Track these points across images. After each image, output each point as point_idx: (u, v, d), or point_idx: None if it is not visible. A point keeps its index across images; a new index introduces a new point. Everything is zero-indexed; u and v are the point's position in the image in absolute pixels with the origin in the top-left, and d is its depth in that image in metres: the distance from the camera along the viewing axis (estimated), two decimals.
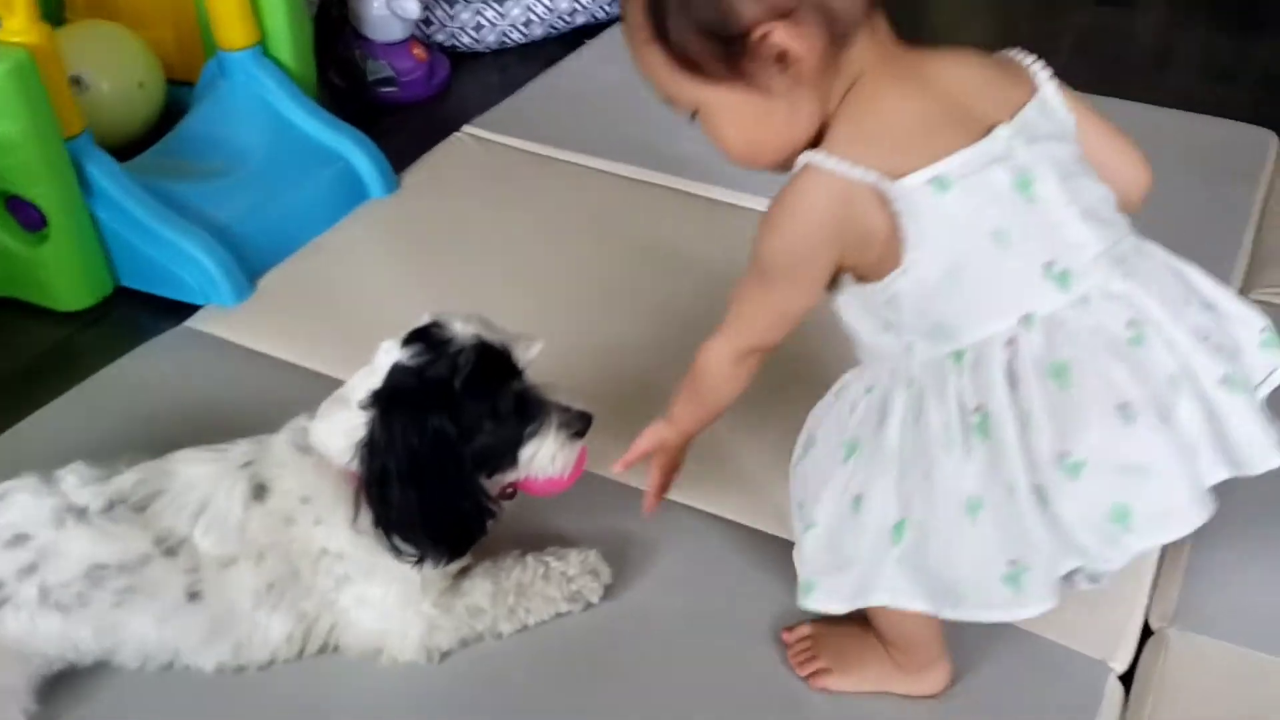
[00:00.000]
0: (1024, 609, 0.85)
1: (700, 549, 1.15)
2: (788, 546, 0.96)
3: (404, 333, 1.00)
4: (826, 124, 0.83)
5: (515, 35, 2.14)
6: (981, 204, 0.79)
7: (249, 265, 1.50)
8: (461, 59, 2.13)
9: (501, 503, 1.04)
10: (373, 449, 0.96)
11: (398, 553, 0.98)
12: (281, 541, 1.00)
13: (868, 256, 0.82)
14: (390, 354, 0.99)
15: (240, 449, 1.04)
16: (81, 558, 0.97)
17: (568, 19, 2.16)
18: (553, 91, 1.97)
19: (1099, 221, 0.82)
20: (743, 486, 1.18)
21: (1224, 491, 0.85)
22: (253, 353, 1.41)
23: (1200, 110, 1.91)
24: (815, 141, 0.82)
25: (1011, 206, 0.80)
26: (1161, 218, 1.72)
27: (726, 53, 0.80)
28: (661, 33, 0.81)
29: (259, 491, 1.01)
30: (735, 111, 0.83)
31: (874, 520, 0.87)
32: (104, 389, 1.37)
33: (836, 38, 0.79)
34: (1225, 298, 0.87)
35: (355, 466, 0.99)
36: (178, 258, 1.46)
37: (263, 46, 1.66)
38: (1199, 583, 1.11)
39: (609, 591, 1.09)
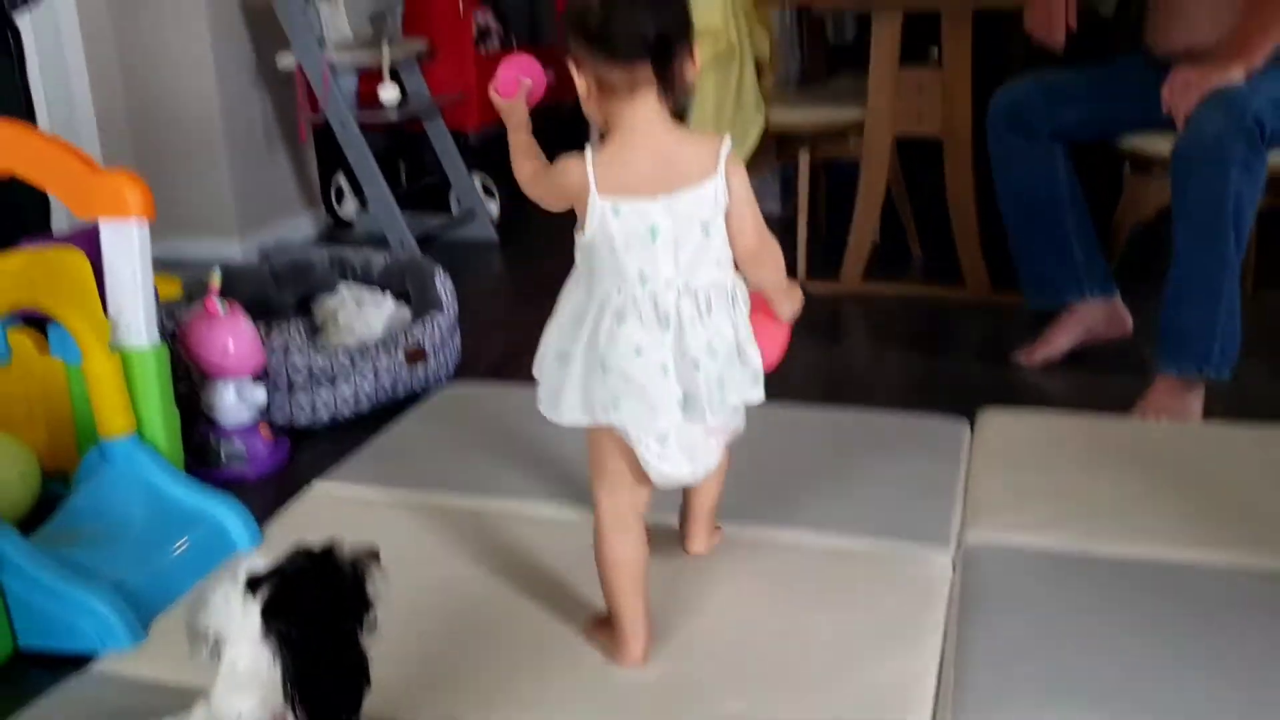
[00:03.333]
0: None
1: None
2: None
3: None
4: (606, 138, 1.43)
5: (346, 411, 2.48)
6: (629, 225, 1.40)
7: (140, 614, 1.69)
8: (299, 434, 2.43)
9: None
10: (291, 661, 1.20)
11: None
12: None
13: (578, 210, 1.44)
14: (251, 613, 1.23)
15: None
16: None
17: (390, 391, 2.52)
18: (388, 449, 2.30)
19: (681, 266, 1.43)
20: None
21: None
22: (155, 685, 1.57)
23: (910, 411, 2.42)
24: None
25: (641, 238, 1.41)
26: (895, 487, 2.17)
27: (574, 62, 1.43)
28: (566, 42, 1.44)
29: None
30: (580, 85, 1.44)
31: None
32: None
33: (604, 90, 1.41)
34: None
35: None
36: (78, 610, 1.64)
37: (139, 434, 1.94)
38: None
39: None
